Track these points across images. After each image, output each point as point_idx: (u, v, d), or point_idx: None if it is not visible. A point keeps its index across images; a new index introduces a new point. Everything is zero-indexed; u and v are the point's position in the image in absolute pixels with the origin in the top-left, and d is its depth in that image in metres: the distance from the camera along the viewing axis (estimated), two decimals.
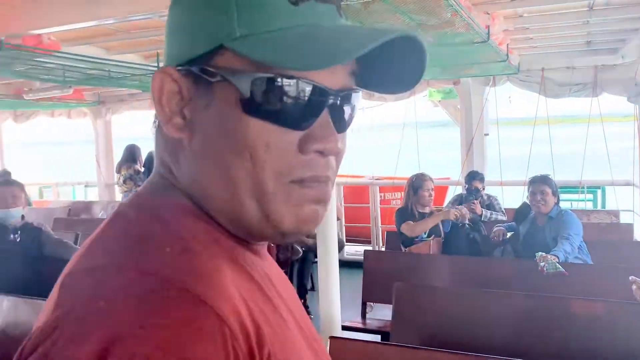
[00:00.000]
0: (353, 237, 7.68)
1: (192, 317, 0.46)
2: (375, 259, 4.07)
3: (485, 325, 2.77)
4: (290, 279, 5.39)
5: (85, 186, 10.54)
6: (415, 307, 2.84)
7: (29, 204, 7.55)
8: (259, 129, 0.55)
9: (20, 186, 3.78)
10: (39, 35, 4.38)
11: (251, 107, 0.55)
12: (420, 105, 7.29)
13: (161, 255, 0.52)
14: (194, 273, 0.50)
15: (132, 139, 8.28)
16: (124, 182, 7.54)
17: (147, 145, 7.87)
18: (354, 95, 0.61)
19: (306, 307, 5.02)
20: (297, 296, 0.74)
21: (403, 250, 4.30)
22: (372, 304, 3.92)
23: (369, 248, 6.85)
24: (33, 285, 3.59)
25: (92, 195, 10.01)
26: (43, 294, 3.25)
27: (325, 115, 0.57)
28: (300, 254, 5.17)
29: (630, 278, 2.80)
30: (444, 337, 2.70)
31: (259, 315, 0.54)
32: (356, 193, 8.22)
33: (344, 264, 6.85)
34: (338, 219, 5.64)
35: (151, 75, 4.20)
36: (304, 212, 0.59)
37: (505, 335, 2.71)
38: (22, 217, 3.69)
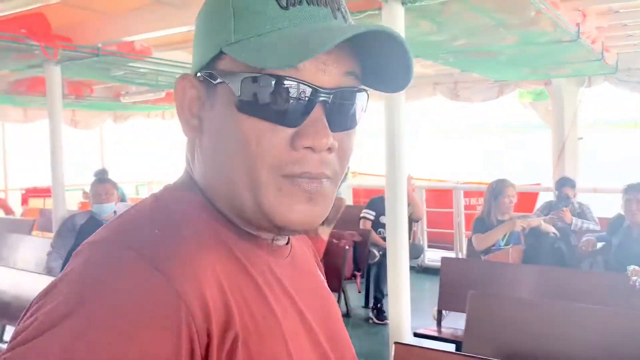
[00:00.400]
0: (435, 242, 7.51)
1: (151, 290, 0.51)
2: (452, 266, 3.96)
3: (567, 342, 2.60)
4: (367, 284, 5.37)
5: None
6: (490, 317, 2.72)
7: (123, 200, 8.08)
8: (251, 125, 0.59)
9: (114, 184, 4.04)
10: (132, 42, 4.67)
11: (242, 105, 0.59)
12: (510, 107, 7.01)
13: (150, 236, 0.57)
14: (171, 254, 0.54)
15: None
16: None
17: None
18: (351, 94, 0.62)
19: (382, 312, 4.97)
20: (324, 300, 0.75)
21: (482, 259, 4.15)
22: (447, 311, 3.82)
23: (452, 254, 6.68)
24: None
25: None
26: None
27: (317, 113, 0.59)
28: (377, 258, 5.12)
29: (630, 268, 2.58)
30: (520, 350, 2.57)
31: (237, 303, 0.56)
32: (440, 197, 8.03)
33: (425, 270, 6.78)
34: (414, 220, 5.53)
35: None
36: (295, 212, 0.60)
37: (588, 353, 2.53)
38: (114, 212, 3.94)
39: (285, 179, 0.60)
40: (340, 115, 0.61)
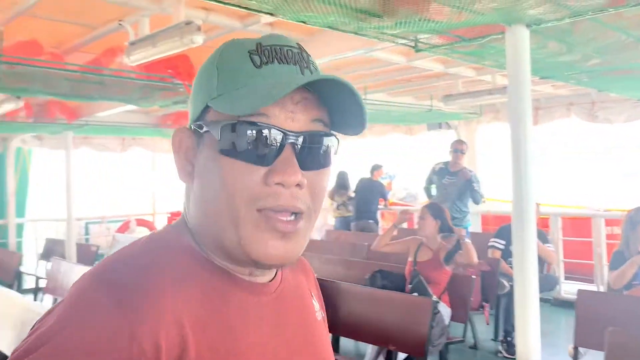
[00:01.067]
0: (574, 274, 6.97)
1: (111, 331, 0.59)
2: (589, 300, 3.65)
3: None
4: (497, 315, 5.13)
5: None
6: (631, 357, 2.48)
7: None
8: (230, 166, 0.67)
9: None
10: None
11: (222, 148, 0.68)
12: None
13: (128, 278, 0.64)
14: (139, 297, 0.62)
15: (342, 166, 8.78)
16: (337, 208, 8.04)
17: (357, 173, 8.30)
18: (318, 137, 0.70)
19: (512, 346, 4.71)
20: (309, 332, 0.80)
21: (624, 293, 3.79)
22: (584, 349, 3.52)
23: (593, 287, 6.16)
24: None
25: None
26: None
27: (287, 153, 0.68)
28: (507, 289, 4.89)
29: None
30: None
31: (196, 340, 0.63)
32: (578, 225, 7.45)
33: (561, 303, 6.32)
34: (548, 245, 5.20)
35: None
36: (270, 247, 0.68)
37: None
38: None
39: (261, 214, 0.67)
40: (309, 156, 0.69)
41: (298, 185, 0.67)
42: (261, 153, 0.67)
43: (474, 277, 4.27)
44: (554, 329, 5.45)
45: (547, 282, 5.20)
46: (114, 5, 3.32)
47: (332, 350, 0.84)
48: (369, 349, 4.00)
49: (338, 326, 3.76)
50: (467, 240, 4.29)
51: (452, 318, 4.11)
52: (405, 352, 3.43)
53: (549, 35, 2.86)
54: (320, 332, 0.83)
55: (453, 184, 5.97)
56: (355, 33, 3.03)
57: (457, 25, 2.78)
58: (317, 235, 8.26)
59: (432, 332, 3.38)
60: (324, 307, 0.91)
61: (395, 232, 4.74)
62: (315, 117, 0.70)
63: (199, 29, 2.99)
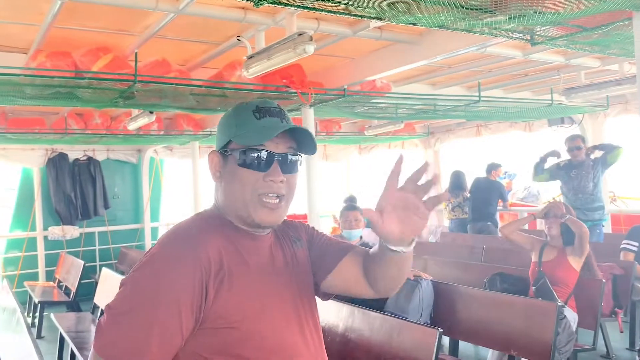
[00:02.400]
0: None
1: (185, 252, 1.19)
2: None
3: None
4: (632, 323, 4.75)
5: None
6: None
7: (368, 225, 8.58)
8: (245, 173, 1.28)
9: (361, 210, 4.39)
10: (373, 80, 5.03)
11: (241, 162, 1.28)
12: None
13: (187, 229, 1.28)
14: (194, 236, 1.24)
15: (457, 166, 8.57)
16: (452, 209, 7.84)
17: (473, 172, 8.05)
18: (290, 156, 1.31)
19: None
20: (288, 264, 1.39)
21: None
22: None
23: None
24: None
25: None
26: (376, 305, 3.68)
27: (275, 165, 1.29)
28: None
29: None
30: None
31: (227, 260, 1.23)
32: None
33: None
34: None
35: (474, 104, 4.36)
36: (264, 216, 1.29)
37: None
38: (360, 237, 4.28)
39: (261, 196, 1.28)
40: (286, 166, 1.30)
41: (281, 181, 1.28)
42: (261, 165, 1.28)
43: (604, 280, 3.99)
44: None
45: None
46: (233, 22, 3.55)
47: (310, 270, 1.43)
48: (490, 354, 3.89)
49: (457, 330, 3.70)
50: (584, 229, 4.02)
51: (580, 324, 3.87)
52: (529, 359, 3.29)
53: None
54: (297, 259, 1.41)
55: (582, 175, 5.75)
56: (467, 30, 2.98)
57: (577, 15, 2.63)
58: (431, 237, 8.14)
59: (559, 339, 3.22)
60: (311, 235, 1.51)
61: (526, 226, 4.49)
62: (289, 145, 1.31)
63: (310, 39, 3.11)
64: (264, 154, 1.26)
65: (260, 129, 1.26)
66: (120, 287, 1.17)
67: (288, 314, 1.30)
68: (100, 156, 8.66)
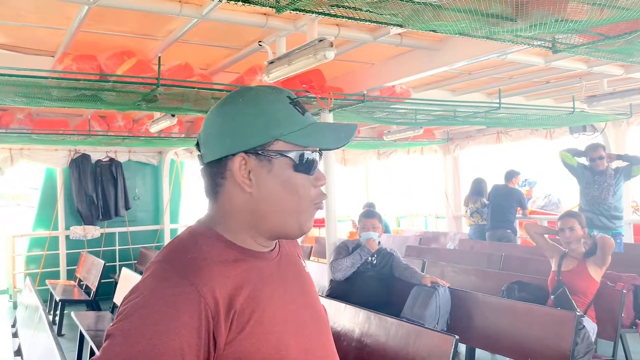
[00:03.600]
0: None
1: (184, 293, 0.92)
2: None
3: None
4: None
5: (436, 217, 11.26)
6: None
7: (387, 231, 8.57)
8: (301, 178, 1.05)
9: (379, 217, 4.40)
10: (393, 85, 5.04)
11: (297, 167, 1.04)
12: None
13: (183, 258, 0.98)
14: (197, 271, 0.96)
15: (476, 173, 8.51)
16: (471, 215, 7.80)
17: (493, 179, 7.99)
18: (320, 156, 1.10)
19: None
20: (301, 282, 1.16)
21: None
22: None
23: None
24: (383, 301, 4.11)
25: (442, 226, 10.62)
26: (392, 311, 3.68)
27: (317, 167, 1.08)
28: None
29: None
30: None
31: (237, 294, 0.97)
32: None
33: None
34: None
35: (495, 111, 4.34)
36: (312, 221, 1.10)
37: None
38: (379, 242, 4.27)
39: (316, 206, 1.08)
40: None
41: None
42: (312, 167, 1.06)
43: (624, 291, 3.94)
44: None
45: None
46: (255, 28, 3.59)
47: (316, 291, 1.22)
48: None
49: (473, 337, 3.68)
50: (605, 236, 4.00)
51: (599, 335, 3.82)
52: None
53: None
54: (309, 280, 1.20)
55: (603, 186, 5.72)
56: (487, 38, 2.97)
57: (599, 23, 2.62)
58: (450, 244, 8.09)
59: (577, 349, 3.18)
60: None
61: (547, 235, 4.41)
62: None
63: (331, 45, 3.13)
64: (317, 156, 1.07)
65: (319, 128, 1.06)
66: (106, 339, 0.91)
67: (320, 337, 1.13)
68: (122, 157, 8.79)
